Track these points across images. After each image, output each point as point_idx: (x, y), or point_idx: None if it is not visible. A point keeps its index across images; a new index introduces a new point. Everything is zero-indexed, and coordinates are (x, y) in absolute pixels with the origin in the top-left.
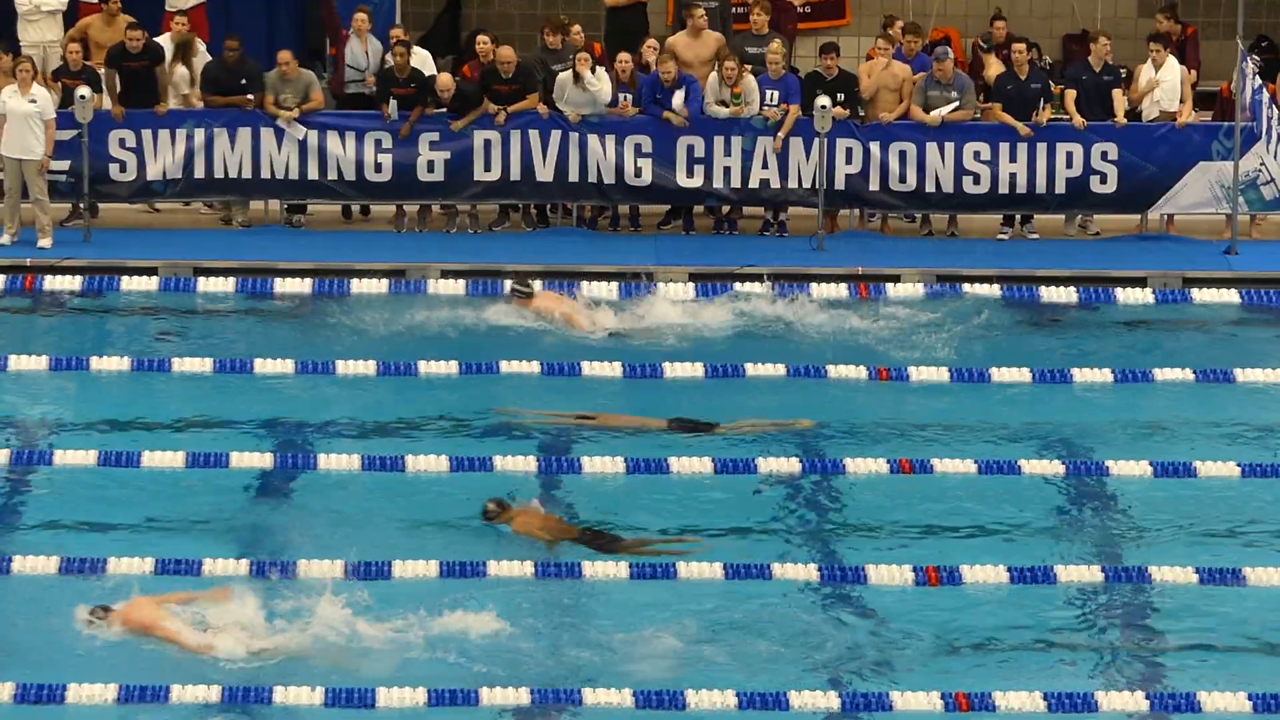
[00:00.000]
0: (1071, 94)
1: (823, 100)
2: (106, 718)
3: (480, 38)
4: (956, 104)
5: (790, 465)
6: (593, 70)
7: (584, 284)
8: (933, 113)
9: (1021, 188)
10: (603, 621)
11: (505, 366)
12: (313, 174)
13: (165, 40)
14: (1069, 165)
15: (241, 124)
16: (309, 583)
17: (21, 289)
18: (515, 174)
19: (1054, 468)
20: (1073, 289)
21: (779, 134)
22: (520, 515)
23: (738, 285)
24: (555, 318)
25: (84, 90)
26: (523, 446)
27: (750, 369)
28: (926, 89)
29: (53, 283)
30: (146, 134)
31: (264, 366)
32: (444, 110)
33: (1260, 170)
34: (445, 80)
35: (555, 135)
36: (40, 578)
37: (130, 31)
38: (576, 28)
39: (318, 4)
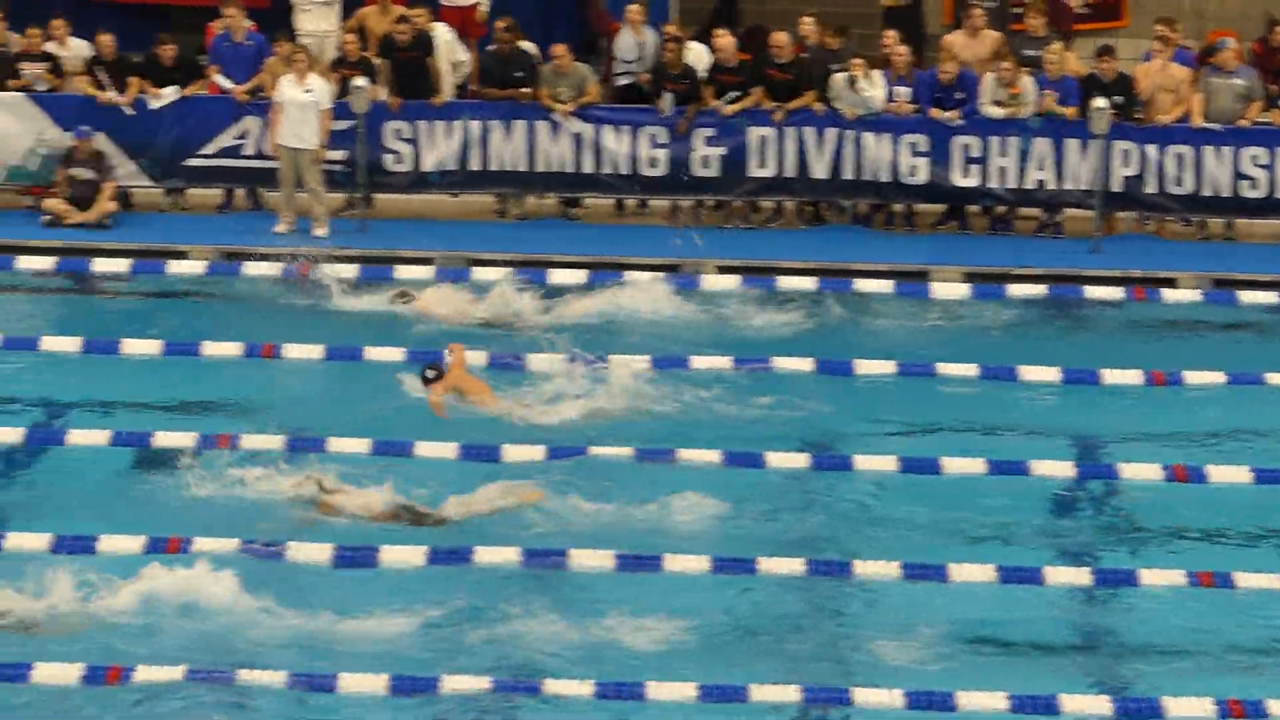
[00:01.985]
0: None
1: (1099, 102)
2: None
3: (716, 31)
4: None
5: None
6: (867, 75)
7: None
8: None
9: None
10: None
11: (779, 363)
12: (587, 168)
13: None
14: None
15: (516, 116)
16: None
17: (297, 277)
18: (790, 171)
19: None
20: None
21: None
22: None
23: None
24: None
25: (360, 80)
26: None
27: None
28: (1209, 77)
29: (330, 272)
30: (422, 125)
31: (536, 361)
32: (726, 89)
33: None
34: (726, 44)
35: (831, 133)
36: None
37: (398, 24)
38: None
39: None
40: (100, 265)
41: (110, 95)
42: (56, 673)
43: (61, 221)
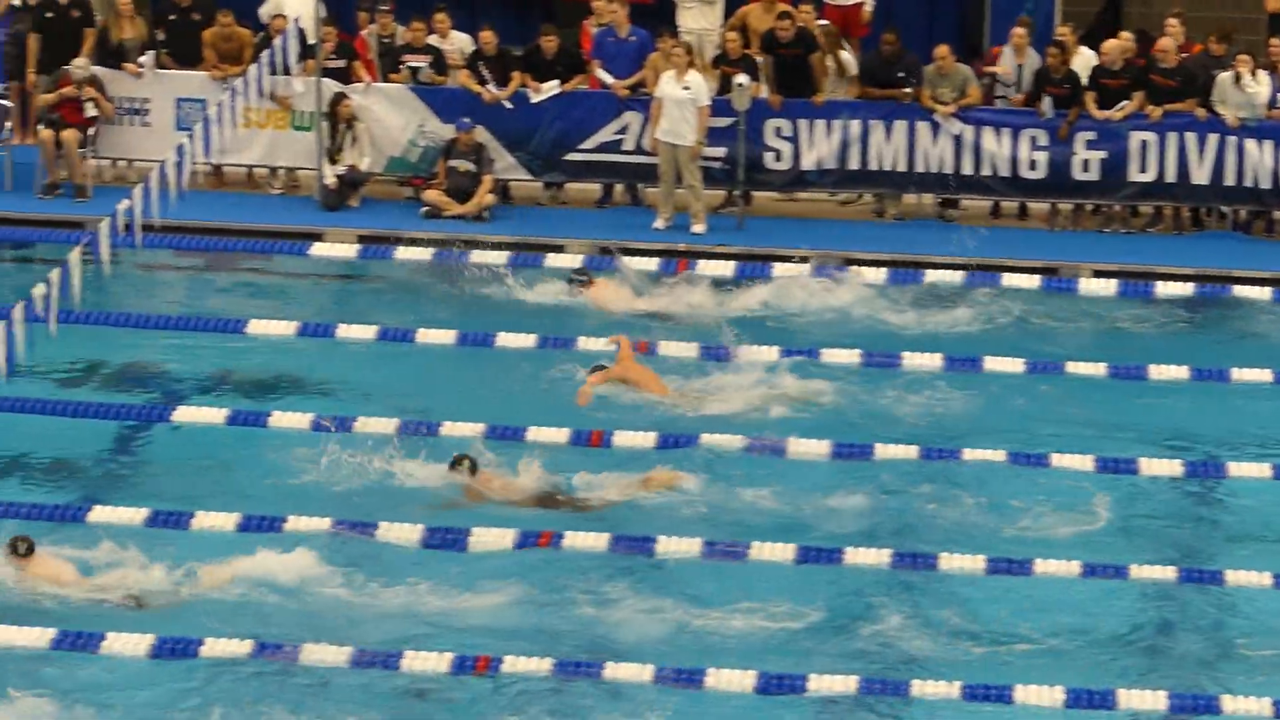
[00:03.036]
0: None
1: None
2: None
3: (1123, 35)
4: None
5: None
6: (1253, 73)
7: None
8: None
9: None
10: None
11: (1155, 373)
12: (966, 169)
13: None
14: None
15: (897, 116)
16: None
17: (674, 273)
18: (1170, 175)
19: None
20: None
21: None
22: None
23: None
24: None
25: (742, 78)
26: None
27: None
28: None
29: (705, 268)
30: (802, 123)
31: (911, 361)
32: (1108, 93)
33: None
34: (1113, 47)
35: (1212, 138)
36: None
37: (780, 21)
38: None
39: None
40: (477, 257)
41: (491, 91)
42: (429, 661)
43: (440, 213)
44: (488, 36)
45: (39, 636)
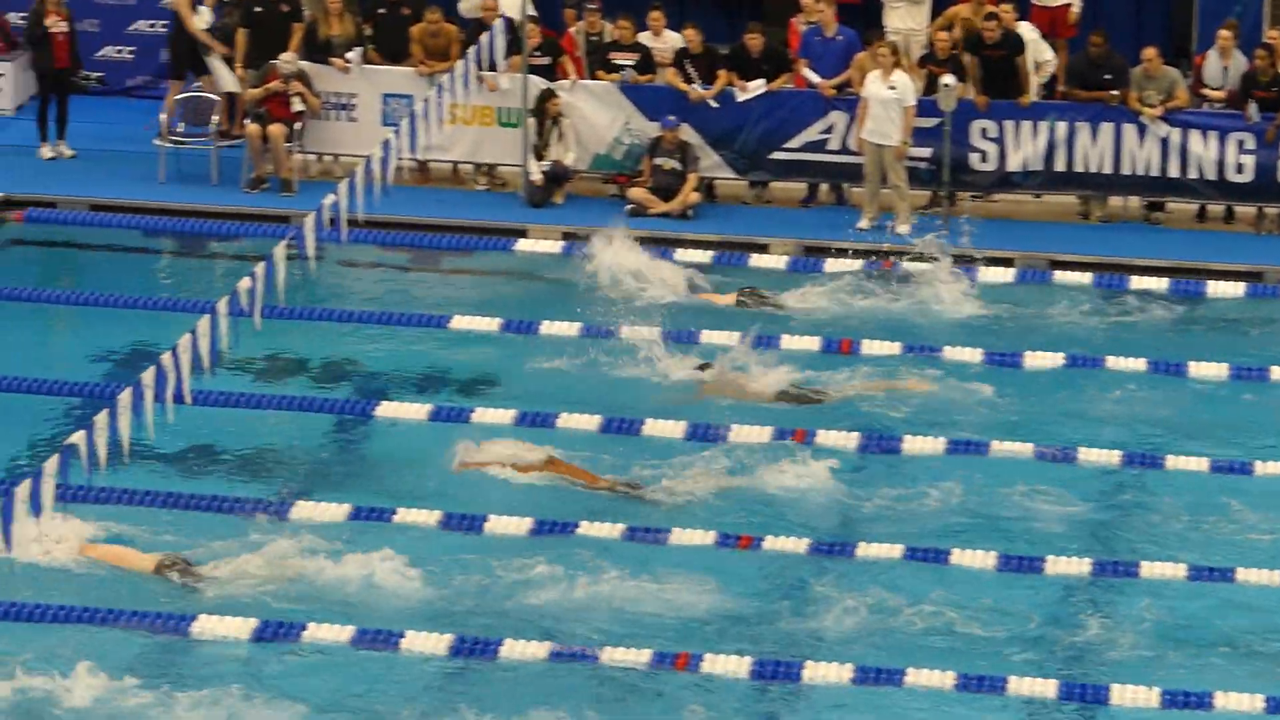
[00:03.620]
0: None
1: None
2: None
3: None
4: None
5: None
6: None
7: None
8: None
9: None
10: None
11: None
12: (1173, 172)
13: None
14: None
15: (1104, 119)
16: None
17: (879, 271)
18: None
19: None
20: None
21: None
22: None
23: None
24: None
25: (948, 78)
26: None
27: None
28: None
29: (909, 267)
30: (1008, 124)
31: (1116, 364)
32: None
33: None
34: None
35: None
36: None
37: (986, 21)
38: None
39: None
40: (682, 256)
41: (697, 89)
42: (627, 656)
43: (645, 211)
44: (693, 35)
45: (240, 627)
